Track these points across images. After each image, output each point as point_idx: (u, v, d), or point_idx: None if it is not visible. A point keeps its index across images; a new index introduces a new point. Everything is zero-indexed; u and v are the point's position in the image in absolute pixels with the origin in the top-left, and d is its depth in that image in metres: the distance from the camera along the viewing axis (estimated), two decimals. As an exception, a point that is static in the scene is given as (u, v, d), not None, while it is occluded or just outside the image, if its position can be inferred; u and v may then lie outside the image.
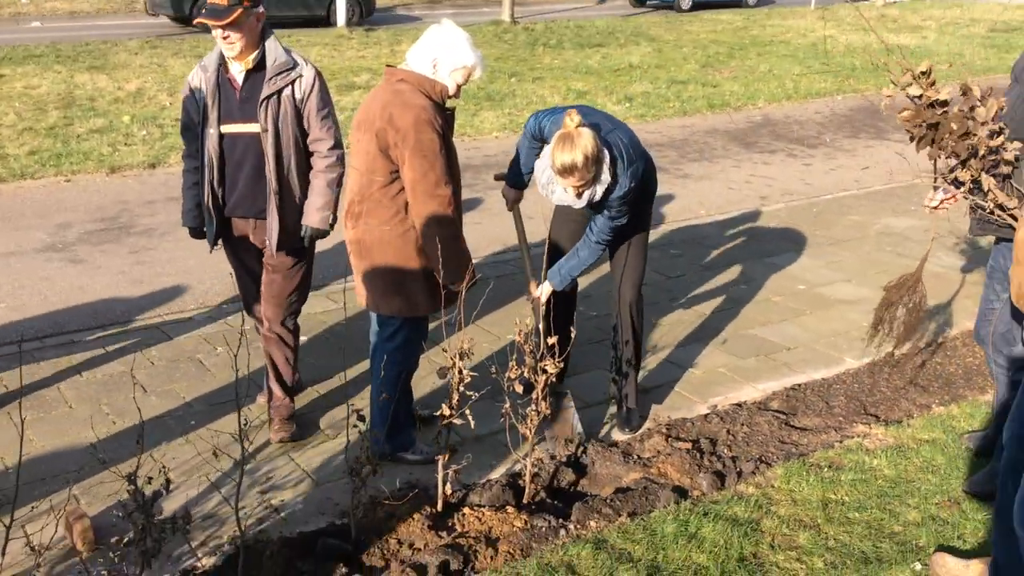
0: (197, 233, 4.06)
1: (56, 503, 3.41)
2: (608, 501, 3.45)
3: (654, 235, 6.92)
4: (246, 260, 4.07)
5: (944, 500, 3.50)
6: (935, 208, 3.47)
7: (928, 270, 4.05)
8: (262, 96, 3.66)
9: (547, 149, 3.61)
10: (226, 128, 3.74)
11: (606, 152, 3.55)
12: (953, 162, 3.14)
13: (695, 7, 24.69)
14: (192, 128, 3.86)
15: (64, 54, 13.72)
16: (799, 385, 4.52)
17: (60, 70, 12.49)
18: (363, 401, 4.26)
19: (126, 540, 2.77)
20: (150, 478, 2.78)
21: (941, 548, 3.17)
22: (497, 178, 4.37)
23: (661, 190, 8.04)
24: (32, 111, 10.21)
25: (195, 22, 3.69)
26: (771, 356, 4.88)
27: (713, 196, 8.08)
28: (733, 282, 5.97)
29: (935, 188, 3.40)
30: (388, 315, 3.67)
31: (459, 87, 3.54)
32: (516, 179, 4.15)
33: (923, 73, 3.01)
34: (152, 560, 2.77)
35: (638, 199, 3.86)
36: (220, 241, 3.98)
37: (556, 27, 19.19)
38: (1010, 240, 3.29)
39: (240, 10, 3.53)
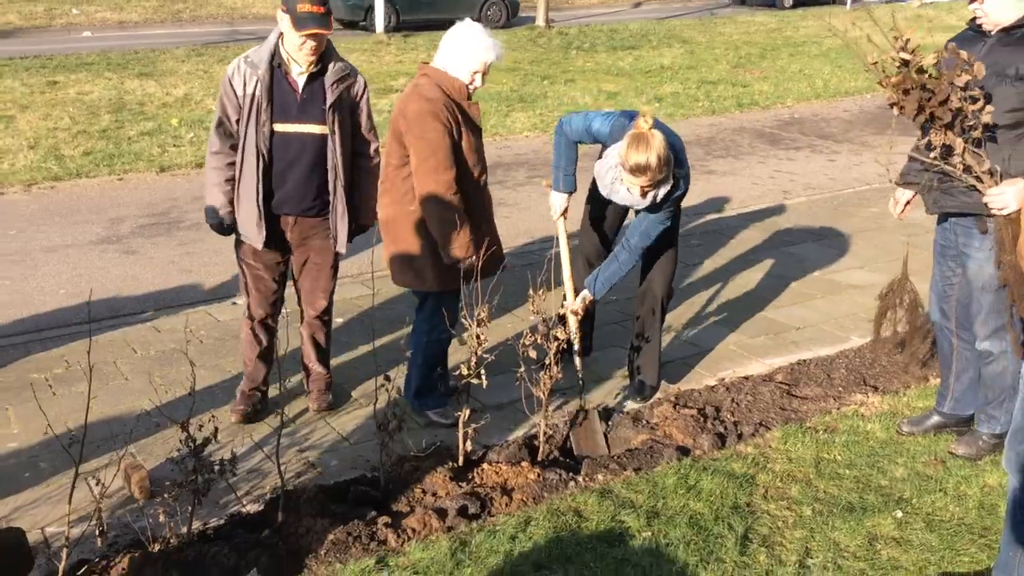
0: (224, 229, 4.08)
1: (115, 460, 3.78)
2: (615, 458, 3.75)
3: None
4: (267, 259, 4.12)
5: (931, 459, 3.76)
6: (901, 214, 3.80)
7: (916, 269, 4.28)
8: (330, 102, 3.86)
9: (613, 150, 3.84)
10: (280, 127, 3.87)
11: (672, 155, 3.77)
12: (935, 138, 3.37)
13: (796, 4, 25.15)
14: (227, 125, 3.91)
15: (114, 62, 14.30)
16: (804, 360, 4.78)
17: (111, 77, 13.04)
18: (393, 372, 4.59)
19: (179, 482, 3.14)
20: (201, 425, 3.14)
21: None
22: (548, 186, 4.42)
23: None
24: (85, 115, 10.72)
25: (305, 34, 3.67)
26: (780, 335, 5.15)
27: (737, 191, 8.33)
28: (750, 269, 6.23)
29: (896, 195, 3.74)
30: (412, 288, 4.03)
31: (478, 76, 3.80)
32: (567, 182, 4.29)
33: (907, 41, 3.27)
34: (202, 498, 3.13)
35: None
36: (243, 238, 4.07)
37: (590, 31, 19.49)
38: (961, 215, 3.53)
39: (331, 18, 3.80)
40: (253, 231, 3.98)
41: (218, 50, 15.78)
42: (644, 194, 3.81)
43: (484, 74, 3.85)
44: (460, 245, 3.79)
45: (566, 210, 4.34)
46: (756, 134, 10.72)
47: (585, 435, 3.98)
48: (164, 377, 4.65)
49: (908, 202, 3.82)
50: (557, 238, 4.28)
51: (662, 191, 3.83)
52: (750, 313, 5.47)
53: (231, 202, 4.00)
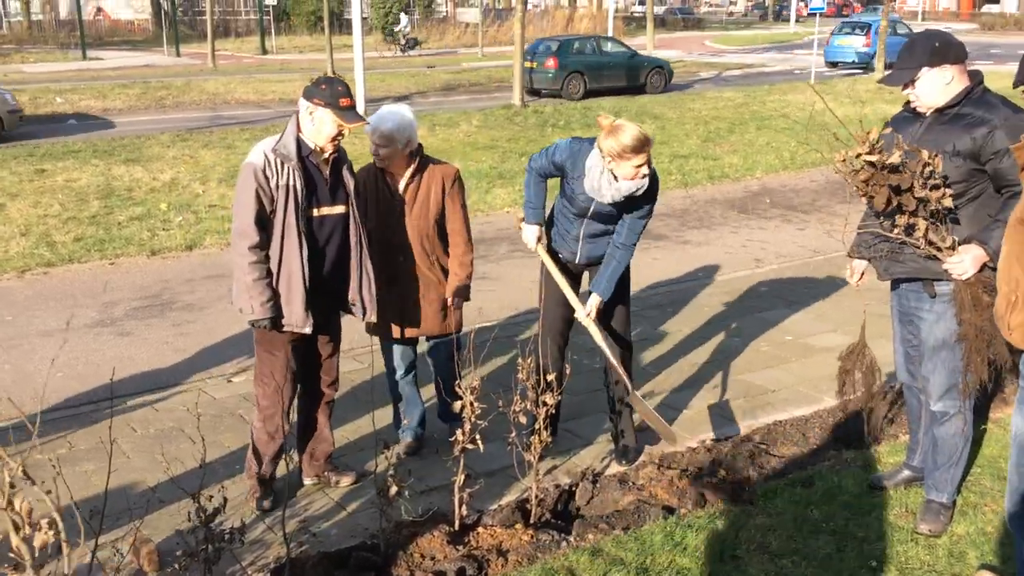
0: (274, 323, 4.08)
1: (122, 536, 3.92)
2: (605, 518, 3.93)
3: (655, 296, 7.48)
4: (303, 347, 4.27)
5: (902, 511, 3.97)
6: (857, 283, 4.11)
7: (882, 331, 4.54)
8: (352, 184, 4.22)
9: (591, 160, 4.24)
10: (316, 212, 4.09)
11: None
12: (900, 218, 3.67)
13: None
14: (265, 218, 3.99)
15: (100, 149, 14.59)
16: (780, 421, 5.00)
17: (98, 163, 13.32)
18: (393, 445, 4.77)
19: (190, 552, 3.29)
20: (211, 496, 3.30)
21: (984, 566, 3.54)
22: (521, 220, 4.78)
23: (663, 256, 8.60)
24: (74, 202, 10.96)
25: (352, 126, 4.02)
26: (756, 397, 5.38)
27: (711, 260, 8.64)
28: (724, 335, 6.49)
29: (851, 265, 4.09)
30: None
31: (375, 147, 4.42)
32: (535, 214, 4.65)
33: (869, 135, 3.58)
34: (212, 567, 3.28)
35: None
36: (288, 327, 4.12)
37: (564, 109, 20.07)
38: (911, 280, 3.80)
39: None
40: (301, 318, 4.05)
41: (202, 135, 16.13)
42: (641, 174, 4.17)
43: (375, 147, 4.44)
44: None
45: (540, 238, 4.65)
46: (727, 205, 11.11)
47: (650, 420, 4.40)
48: (165, 454, 4.80)
49: (863, 272, 4.11)
50: (542, 261, 4.63)
51: (650, 179, 4.24)
52: (727, 377, 5.71)
53: (276, 293, 4.04)
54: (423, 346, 4.85)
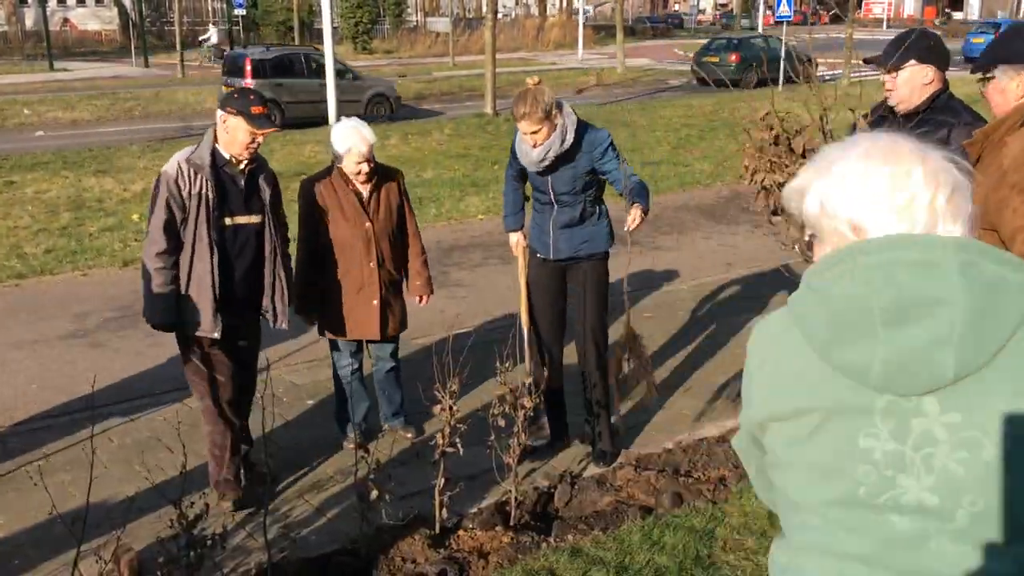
0: (170, 328, 4.24)
1: (103, 544, 3.91)
2: (583, 519, 3.98)
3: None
4: (224, 350, 4.32)
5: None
6: None
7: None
8: (269, 192, 4.29)
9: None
10: (229, 220, 4.16)
11: (567, 110, 4.29)
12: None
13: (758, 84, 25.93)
14: (174, 226, 4.07)
15: (70, 160, 14.48)
16: (754, 421, 5.07)
17: (68, 175, 13.21)
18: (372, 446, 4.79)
19: (171, 559, 3.29)
20: (192, 503, 3.31)
21: None
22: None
23: (636, 261, 8.68)
24: (45, 214, 10.88)
25: (262, 132, 4.10)
26: (731, 400, 5.45)
27: (683, 264, 8.74)
28: (699, 339, 6.57)
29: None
30: None
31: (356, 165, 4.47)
32: (511, 221, 4.79)
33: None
34: (195, 574, 3.28)
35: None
36: (198, 332, 4.21)
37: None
38: None
39: None
40: (210, 323, 4.16)
41: (173, 145, 16.04)
42: (536, 144, 4.26)
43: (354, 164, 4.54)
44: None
45: (519, 243, 4.79)
46: (699, 211, 11.23)
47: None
48: (143, 464, 4.79)
49: None
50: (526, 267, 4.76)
51: (568, 134, 4.27)
52: (701, 379, 5.79)
53: (178, 299, 4.14)
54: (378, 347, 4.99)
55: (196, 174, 4.07)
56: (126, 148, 15.74)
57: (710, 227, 10.39)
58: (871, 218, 1.39)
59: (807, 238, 1.53)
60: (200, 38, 38.62)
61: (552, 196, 4.47)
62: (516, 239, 4.80)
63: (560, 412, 4.89)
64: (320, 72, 19.04)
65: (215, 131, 4.16)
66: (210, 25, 40.29)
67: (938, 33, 3.87)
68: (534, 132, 4.20)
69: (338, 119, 19.96)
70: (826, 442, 1.37)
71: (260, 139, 4.14)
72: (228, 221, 4.17)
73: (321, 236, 4.58)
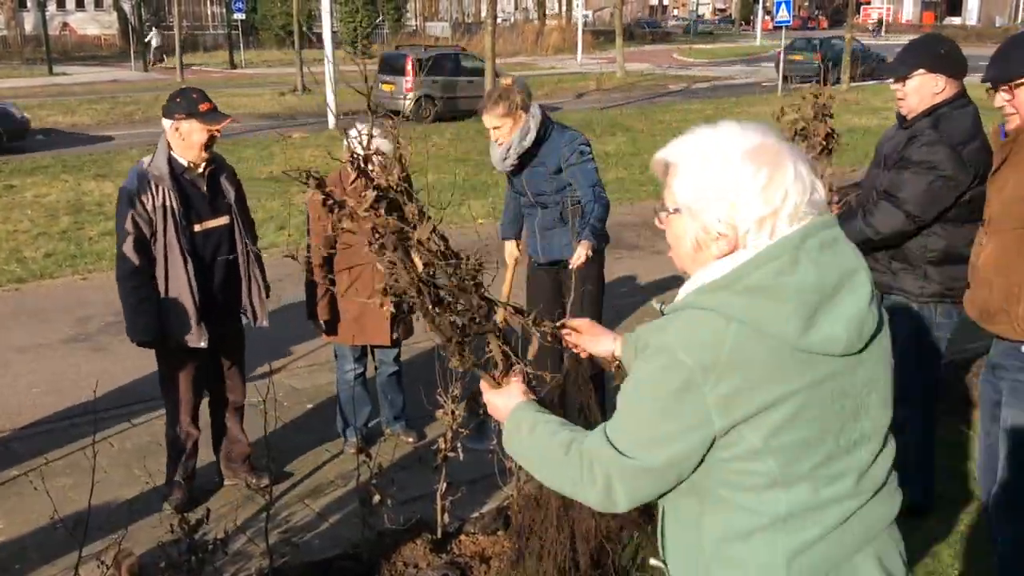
0: (154, 345, 4.23)
1: (103, 549, 3.91)
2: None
3: (630, 307, 7.55)
4: (200, 357, 4.33)
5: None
6: None
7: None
8: (233, 192, 4.28)
9: None
10: (198, 227, 4.14)
11: (534, 110, 4.34)
12: None
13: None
14: (144, 242, 4.01)
15: (70, 164, 14.50)
16: (755, 426, 5.07)
17: (67, 179, 13.23)
18: (374, 450, 4.80)
19: (173, 564, 3.29)
20: (194, 507, 3.31)
21: None
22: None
23: (637, 266, 8.68)
24: (44, 218, 10.88)
25: (220, 127, 4.07)
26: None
27: (684, 270, 8.73)
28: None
29: None
30: None
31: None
32: (504, 230, 4.84)
33: None
34: (196, 578, 3.28)
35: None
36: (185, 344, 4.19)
37: (535, 121, 20.18)
38: (894, 292, 3.89)
39: None
40: (195, 333, 4.14)
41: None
42: (499, 141, 4.32)
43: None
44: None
45: (512, 252, 4.85)
46: (699, 215, 11.23)
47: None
48: (143, 468, 4.79)
49: None
50: (527, 273, 4.81)
51: (530, 131, 4.32)
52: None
53: (158, 316, 4.12)
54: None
55: (157, 186, 4.01)
56: (126, 152, 15.76)
57: (710, 232, 10.39)
58: (743, 210, 1.59)
59: (671, 210, 1.70)
60: (146, 39, 38.70)
61: (531, 197, 4.49)
62: (509, 248, 4.82)
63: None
64: (467, 70, 22.23)
65: (167, 140, 4.07)
66: (152, 28, 40.31)
67: (947, 38, 3.84)
68: (496, 128, 4.24)
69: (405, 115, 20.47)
70: (814, 414, 1.56)
71: (217, 135, 4.10)
72: (197, 227, 4.14)
73: (331, 242, 4.55)
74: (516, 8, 68.74)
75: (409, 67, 20.98)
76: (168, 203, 4.01)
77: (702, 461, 1.59)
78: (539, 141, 4.37)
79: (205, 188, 4.18)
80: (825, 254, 1.56)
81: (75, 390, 5.95)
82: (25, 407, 5.71)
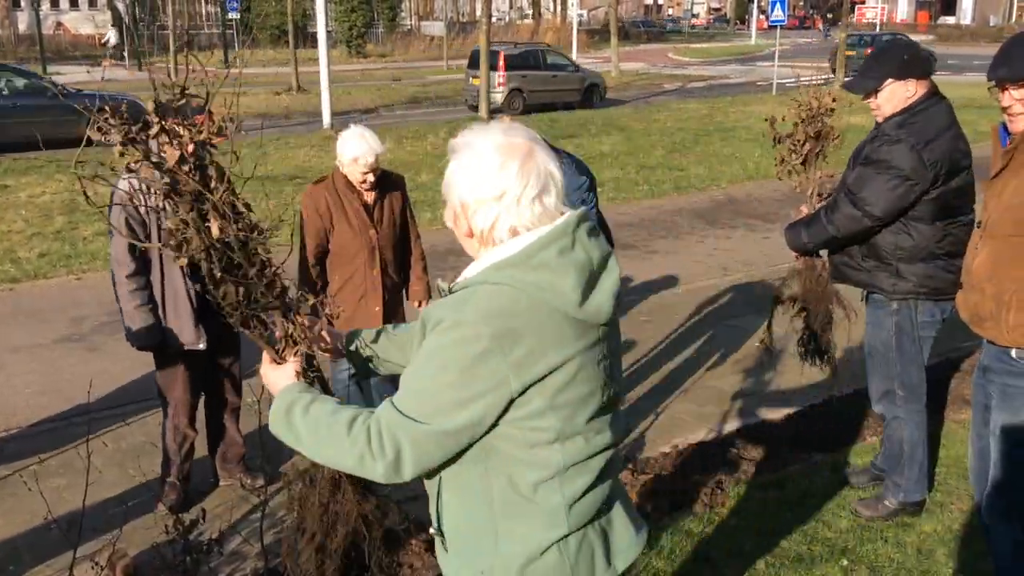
0: (152, 348, 4.21)
1: (98, 549, 3.90)
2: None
3: (626, 306, 7.54)
4: (198, 358, 4.32)
5: (871, 510, 4.05)
6: None
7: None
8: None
9: None
10: None
11: None
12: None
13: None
14: (138, 243, 4.01)
15: (64, 164, 14.45)
16: (750, 425, 5.09)
17: (61, 179, 13.20)
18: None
19: (168, 565, 3.28)
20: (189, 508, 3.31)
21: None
22: None
23: (632, 266, 8.68)
24: (38, 217, 10.85)
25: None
26: (726, 403, 5.46)
27: (679, 269, 8.75)
28: (696, 342, 6.57)
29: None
30: None
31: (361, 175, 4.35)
32: None
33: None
34: (191, 579, 3.27)
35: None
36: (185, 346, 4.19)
37: (530, 121, 20.09)
38: (870, 289, 3.91)
39: None
40: (192, 336, 4.14)
41: (167, 149, 16.03)
42: None
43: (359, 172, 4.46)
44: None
45: None
46: (694, 215, 11.25)
47: None
48: (137, 468, 4.78)
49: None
50: None
51: None
52: (697, 383, 5.79)
53: (159, 319, 4.11)
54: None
55: (149, 187, 3.98)
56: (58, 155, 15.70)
57: (705, 231, 10.40)
58: (496, 194, 1.81)
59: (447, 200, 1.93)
60: (101, 40, 38.65)
61: None
62: None
63: None
64: (551, 66, 24.07)
65: None
66: (108, 26, 40.26)
67: (909, 40, 3.88)
68: None
69: (497, 111, 20.98)
70: (587, 374, 1.79)
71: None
72: None
73: (324, 243, 4.55)
74: (511, 7, 68.72)
75: (501, 62, 22.45)
76: (162, 204, 3.98)
77: (496, 424, 1.76)
78: None
79: None
80: (591, 239, 1.83)
81: (69, 390, 5.93)
82: (19, 407, 5.69)
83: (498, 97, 22.47)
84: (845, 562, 3.65)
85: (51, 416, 5.53)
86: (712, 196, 12.44)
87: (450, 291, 1.89)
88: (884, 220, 3.67)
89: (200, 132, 2.07)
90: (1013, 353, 3.00)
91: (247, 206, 2.12)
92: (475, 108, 22.55)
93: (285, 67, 31.59)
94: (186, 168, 2.04)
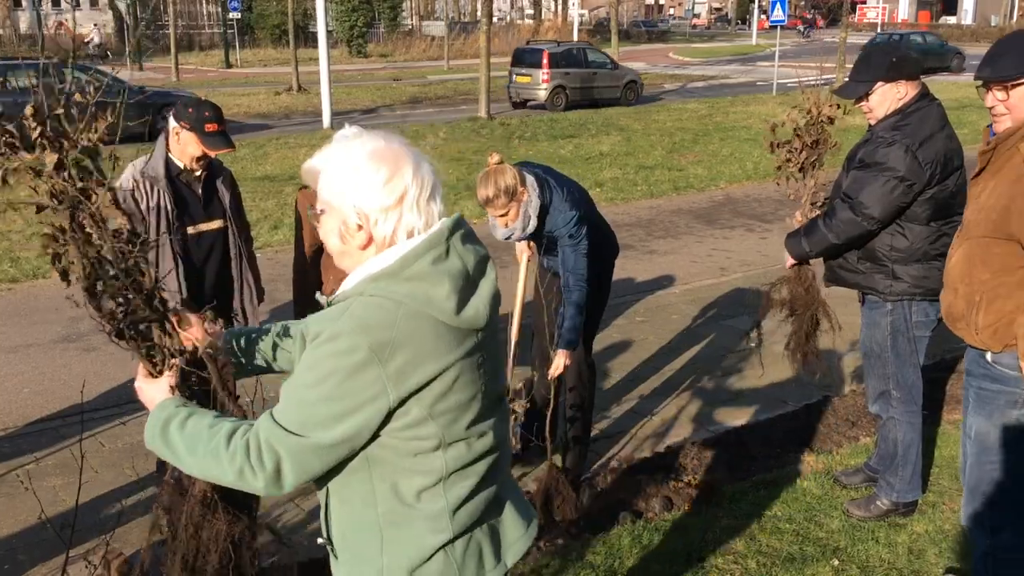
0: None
1: (92, 548, 3.92)
2: (573, 522, 3.98)
3: (623, 305, 7.56)
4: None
5: (863, 510, 4.06)
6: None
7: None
8: (229, 196, 4.26)
9: None
10: (192, 229, 4.16)
11: (531, 187, 3.99)
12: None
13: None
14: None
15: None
16: (744, 425, 5.10)
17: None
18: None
19: (162, 563, 3.29)
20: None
21: (949, 570, 3.64)
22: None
23: (630, 265, 8.69)
24: (38, 217, 10.86)
25: (215, 153, 4.01)
26: (721, 403, 5.47)
27: (677, 269, 8.76)
28: (691, 343, 6.58)
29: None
30: None
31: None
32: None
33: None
34: (184, 578, 3.28)
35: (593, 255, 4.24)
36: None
37: (531, 121, 20.19)
38: (866, 291, 3.92)
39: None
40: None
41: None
42: (506, 224, 4.03)
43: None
44: None
45: (524, 251, 4.60)
46: (693, 215, 11.26)
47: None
48: (133, 468, 4.79)
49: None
50: (536, 276, 4.65)
51: (530, 220, 4.01)
52: (694, 383, 5.80)
53: None
54: None
55: (152, 186, 3.98)
56: (119, 150, 15.70)
57: (704, 231, 10.42)
58: (370, 202, 1.79)
59: (319, 210, 1.87)
60: (85, 40, 38.69)
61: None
62: (520, 246, 4.73)
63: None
64: (594, 63, 24.80)
65: (167, 140, 4.03)
66: (92, 26, 40.31)
67: (895, 43, 3.88)
68: (502, 215, 4.05)
69: (540, 107, 20.93)
70: (466, 380, 1.79)
71: (212, 155, 4.06)
72: (191, 230, 4.13)
73: (319, 244, 4.55)
74: (512, 7, 68.73)
75: (545, 60, 23.31)
76: (162, 204, 4.01)
77: (376, 435, 1.76)
78: (541, 214, 4.20)
79: (200, 191, 4.17)
80: (467, 245, 1.83)
81: (65, 390, 5.95)
82: (15, 407, 5.71)
83: (542, 94, 23.37)
84: (836, 562, 3.66)
85: (48, 415, 5.55)
86: (711, 196, 12.45)
87: (329, 304, 1.87)
88: (883, 222, 3.68)
89: (87, 134, 1.97)
90: (988, 357, 3.02)
91: (128, 216, 2.06)
92: (519, 105, 23.78)
93: (285, 67, 31.61)
94: (65, 175, 1.97)
